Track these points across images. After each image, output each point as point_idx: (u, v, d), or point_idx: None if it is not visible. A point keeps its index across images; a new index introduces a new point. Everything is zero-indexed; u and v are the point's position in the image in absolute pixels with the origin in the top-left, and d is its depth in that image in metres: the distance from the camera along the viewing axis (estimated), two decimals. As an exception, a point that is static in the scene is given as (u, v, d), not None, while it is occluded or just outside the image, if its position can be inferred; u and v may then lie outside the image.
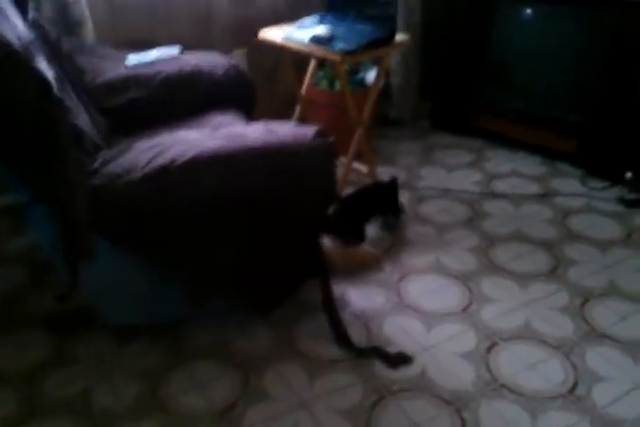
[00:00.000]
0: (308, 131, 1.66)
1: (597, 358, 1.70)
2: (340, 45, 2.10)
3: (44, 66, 1.52)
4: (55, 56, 1.91)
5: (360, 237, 2.17)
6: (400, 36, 2.28)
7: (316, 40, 2.15)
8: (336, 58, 2.09)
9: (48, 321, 1.89)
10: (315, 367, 1.70)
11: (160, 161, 1.48)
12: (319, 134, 1.67)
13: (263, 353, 1.75)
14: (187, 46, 2.39)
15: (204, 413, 1.57)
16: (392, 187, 2.30)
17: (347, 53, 2.08)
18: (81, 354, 1.77)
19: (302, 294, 1.89)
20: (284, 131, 1.66)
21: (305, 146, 1.62)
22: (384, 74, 2.36)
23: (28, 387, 1.66)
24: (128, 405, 1.60)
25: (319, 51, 2.14)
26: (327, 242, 2.03)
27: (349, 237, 2.14)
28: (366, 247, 2.18)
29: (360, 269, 2.08)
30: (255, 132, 1.63)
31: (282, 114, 2.66)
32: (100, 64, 2.12)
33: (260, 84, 2.76)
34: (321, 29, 2.20)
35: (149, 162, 1.48)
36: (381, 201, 2.30)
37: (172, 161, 1.48)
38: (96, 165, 1.50)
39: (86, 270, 1.54)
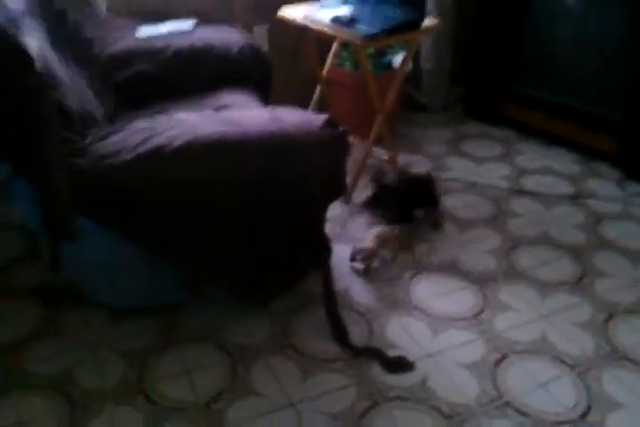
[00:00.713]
0: (317, 119, 1.53)
1: (616, 382, 1.56)
2: (362, 28, 1.95)
3: (33, 39, 1.42)
4: (58, 27, 1.81)
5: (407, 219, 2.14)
6: (429, 20, 2.10)
7: (337, 21, 2.00)
8: (357, 41, 1.94)
9: (40, 293, 1.82)
10: (308, 364, 1.59)
11: (151, 144, 1.38)
12: (329, 123, 1.54)
13: (257, 345, 1.66)
14: (205, 21, 2.27)
15: (187, 402, 1.49)
16: (427, 181, 2.20)
17: (369, 37, 1.93)
18: (69, 329, 1.70)
19: (307, 285, 1.78)
20: (290, 118, 1.53)
21: (311, 136, 1.50)
22: (411, 59, 2.19)
23: (11, 359, 1.60)
24: (111, 387, 1.52)
25: (340, 32, 1.99)
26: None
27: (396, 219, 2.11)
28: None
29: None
30: (259, 119, 1.50)
31: (303, 95, 2.53)
32: (110, 35, 2.02)
33: (282, 62, 2.64)
34: (344, 10, 2.05)
35: (140, 144, 1.38)
36: (419, 194, 2.20)
37: (164, 145, 1.37)
38: (85, 143, 1.40)
39: (75, 249, 1.46)
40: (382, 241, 1.94)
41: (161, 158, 1.39)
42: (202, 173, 1.42)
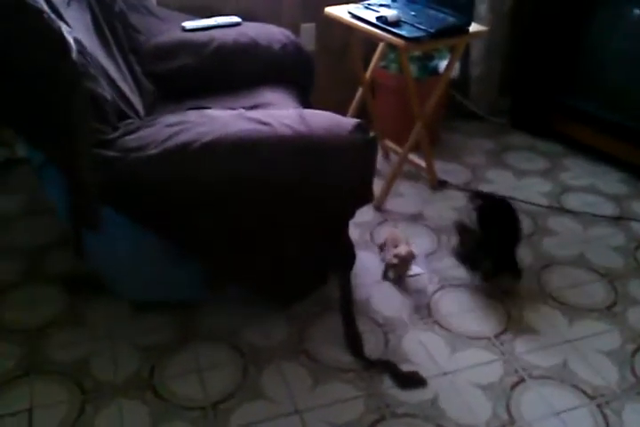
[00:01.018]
0: (347, 124, 1.51)
1: (637, 417, 1.48)
2: (406, 30, 1.91)
3: (76, 24, 1.44)
4: (106, 14, 1.85)
5: (515, 271, 1.83)
6: (477, 26, 2.05)
7: (382, 22, 1.97)
8: (400, 44, 1.90)
9: (66, 281, 1.87)
10: (319, 372, 1.58)
11: (179, 140, 1.39)
12: (358, 128, 1.52)
13: (271, 347, 1.65)
14: (253, 18, 2.28)
15: (195, 401, 1.50)
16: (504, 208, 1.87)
17: (412, 40, 1.89)
18: (91, 319, 1.74)
19: (329, 290, 1.76)
20: (320, 121, 1.52)
21: (340, 140, 1.48)
22: (455, 64, 2.14)
23: (31, 344, 1.64)
24: (123, 380, 1.55)
25: (384, 34, 1.96)
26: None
27: (503, 274, 1.83)
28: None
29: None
30: (289, 119, 1.49)
31: (349, 95, 2.51)
32: (156, 25, 2.05)
33: (328, 62, 2.62)
34: (390, 11, 2.01)
35: (167, 139, 1.39)
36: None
37: (192, 141, 1.38)
38: (115, 135, 1.42)
39: (100, 239, 1.49)
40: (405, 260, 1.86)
41: (187, 154, 1.40)
42: (227, 172, 1.42)
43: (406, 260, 1.84)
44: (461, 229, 1.92)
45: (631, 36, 2.39)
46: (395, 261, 1.84)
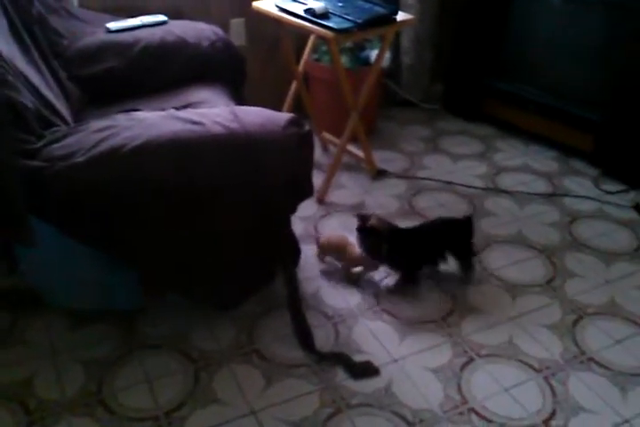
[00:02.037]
0: (280, 119, 1.50)
1: (582, 385, 1.55)
2: (334, 22, 1.91)
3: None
4: (23, 18, 1.77)
5: (410, 277, 1.87)
6: (404, 15, 2.07)
7: (310, 14, 1.96)
8: (329, 35, 1.90)
9: (3, 297, 1.79)
10: (272, 371, 1.58)
11: (107, 145, 1.34)
12: (292, 123, 1.51)
13: (220, 350, 1.63)
14: (180, 16, 2.23)
15: (147, 412, 1.47)
16: (465, 226, 1.87)
17: (341, 31, 1.89)
18: (32, 335, 1.68)
19: (275, 287, 1.75)
20: (252, 118, 1.50)
21: (273, 136, 1.46)
22: (385, 54, 2.15)
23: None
24: (70, 397, 1.50)
25: (313, 26, 1.95)
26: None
27: (403, 275, 1.86)
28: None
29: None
30: (220, 117, 1.47)
31: (283, 89, 2.49)
32: (79, 28, 1.98)
33: (260, 57, 2.60)
34: (317, 3, 2.01)
35: (96, 145, 1.34)
36: (448, 241, 1.87)
37: (121, 146, 1.34)
38: (39, 144, 1.37)
39: (32, 252, 1.44)
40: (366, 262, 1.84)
41: (116, 160, 1.35)
42: (158, 175, 1.38)
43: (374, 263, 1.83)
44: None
45: (551, 20, 2.47)
46: (359, 268, 1.86)
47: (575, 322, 1.74)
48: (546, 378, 1.56)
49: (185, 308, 1.74)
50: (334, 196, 2.31)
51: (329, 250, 1.90)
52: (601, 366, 1.60)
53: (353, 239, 1.84)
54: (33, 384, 1.53)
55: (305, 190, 1.66)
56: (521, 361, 1.61)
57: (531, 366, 1.60)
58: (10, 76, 1.49)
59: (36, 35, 1.82)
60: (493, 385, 1.54)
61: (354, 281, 1.88)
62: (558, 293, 1.85)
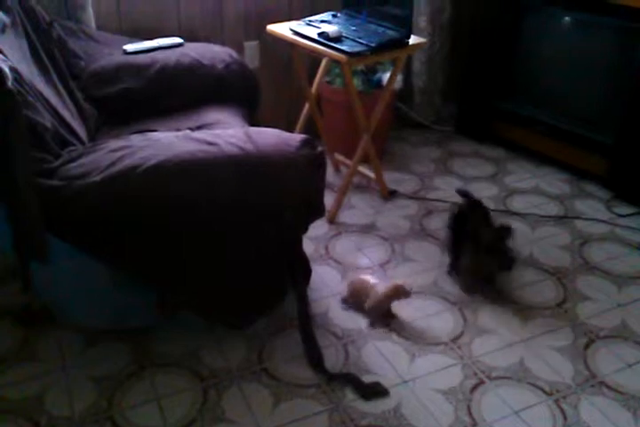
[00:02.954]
0: (294, 140, 1.53)
1: (593, 409, 1.53)
2: (347, 46, 1.95)
3: (10, 54, 1.42)
4: (43, 40, 1.82)
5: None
6: (416, 38, 2.10)
7: (324, 38, 2.00)
8: (342, 59, 1.94)
9: (16, 315, 1.81)
10: (281, 390, 1.58)
11: (123, 165, 1.37)
12: (305, 144, 1.54)
13: (230, 369, 1.64)
14: (195, 38, 2.29)
15: (155, 431, 1.47)
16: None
17: (354, 55, 1.93)
18: (44, 352, 1.69)
19: (286, 306, 1.76)
20: (266, 139, 1.53)
21: (286, 157, 1.49)
22: (397, 77, 2.19)
23: (-17, 383, 1.59)
24: (80, 414, 1.51)
25: (326, 50, 1.99)
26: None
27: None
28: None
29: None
30: (234, 138, 1.50)
31: (296, 111, 2.54)
32: (97, 50, 2.03)
33: (274, 78, 2.65)
34: (331, 27, 2.05)
35: (111, 165, 1.37)
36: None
37: (136, 166, 1.37)
38: (57, 163, 1.40)
39: (46, 270, 1.46)
40: (394, 295, 1.78)
41: (132, 180, 1.39)
42: (174, 195, 1.41)
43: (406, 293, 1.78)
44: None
45: (562, 42, 2.50)
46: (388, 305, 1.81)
47: (586, 345, 1.72)
48: (557, 401, 1.55)
49: (196, 326, 1.75)
50: (345, 216, 2.32)
51: (353, 297, 1.85)
52: (612, 389, 1.58)
53: (374, 280, 1.83)
54: (44, 400, 1.54)
55: (317, 210, 1.68)
56: (532, 384, 1.60)
57: (541, 389, 1.58)
58: (30, 96, 1.53)
59: (55, 56, 1.87)
60: (504, 408, 1.53)
61: (392, 317, 1.82)
62: (570, 315, 1.84)
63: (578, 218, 2.32)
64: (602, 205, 2.40)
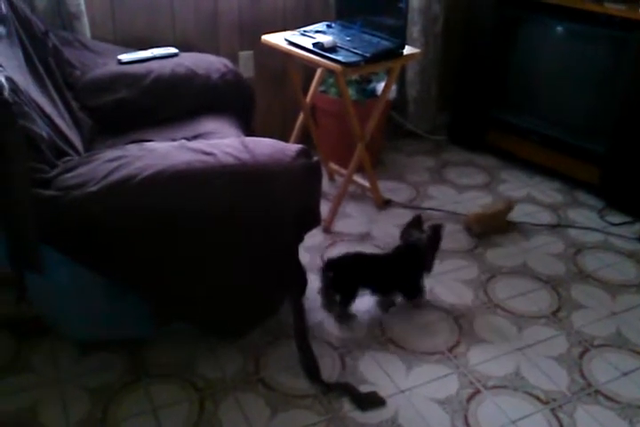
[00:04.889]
0: (289, 150, 1.53)
1: (589, 417, 1.53)
2: (342, 56, 1.97)
3: (5, 64, 1.42)
4: (38, 50, 1.82)
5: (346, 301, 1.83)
6: (410, 48, 2.12)
7: (318, 48, 2.02)
8: (337, 69, 1.95)
9: (9, 326, 1.80)
10: (277, 400, 1.57)
11: (118, 175, 1.37)
12: (301, 154, 1.54)
13: (226, 379, 1.63)
14: (190, 48, 2.30)
15: (151, 442, 1.46)
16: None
17: (349, 65, 1.94)
18: (38, 362, 1.68)
19: (281, 316, 1.76)
20: (262, 148, 1.53)
21: (282, 167, 1.50)
22: (391, 87, 2.21)
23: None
24: (74, 425, 1.49)
25: (321, 60, 2.00)
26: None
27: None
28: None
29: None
30: (229, 148, 1.50)
31: (290, 120, 2.54)
32: (92, 59, 2.03)
33: (268, 88, 2.66)
34: (325, 37, 2.07)
35: (108, 175, 1.37)
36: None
37: (133, 176, 1.37)
38: (53, 173, 1.40)
39: (41, 281, 1.45)
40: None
41: (127, 190, 1.38)
42: (170, 205, 1.40)
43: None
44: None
45: (555, 51, 2.52)
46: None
47: (581, 354, 1.73)
48: (553, 410, 1.55)
49: (191, 336, 1.74)
50: (340, 225, 2.33)
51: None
52: (608, 398, 1.59)
53: None
54: (38, 412, 1.53)
55: (312, 220, 1.68)
56: (528, 393, 1.60)
57: (537, 398, 1.59)
58: (26, 106, 1.53)
59: (50, 66, 1.87)
60: (500, 417, 1.53)
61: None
62: (564, 324, 1.84)
63: (571, 227, 2.34)
64: (594, 214, 2.42)
